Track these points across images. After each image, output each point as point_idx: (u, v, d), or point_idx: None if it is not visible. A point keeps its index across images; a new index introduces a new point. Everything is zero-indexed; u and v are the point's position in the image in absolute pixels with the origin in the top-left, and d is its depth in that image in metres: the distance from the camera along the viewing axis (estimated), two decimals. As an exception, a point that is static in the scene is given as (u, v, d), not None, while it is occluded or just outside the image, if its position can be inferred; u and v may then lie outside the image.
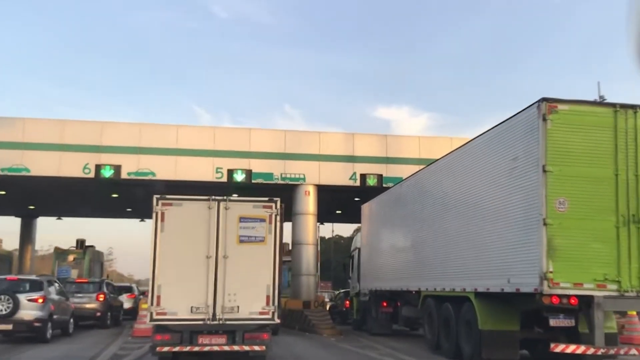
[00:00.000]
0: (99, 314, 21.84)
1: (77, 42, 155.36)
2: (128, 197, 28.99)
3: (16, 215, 39.75)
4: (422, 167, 17.50)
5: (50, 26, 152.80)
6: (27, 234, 38.91)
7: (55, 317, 17.06)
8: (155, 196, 10.85)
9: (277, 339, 18.26)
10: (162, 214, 10.64)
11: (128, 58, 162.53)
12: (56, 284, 18.67)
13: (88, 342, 16.97)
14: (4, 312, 15.63)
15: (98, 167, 23.73)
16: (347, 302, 26.04)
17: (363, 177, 25.27)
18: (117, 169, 23.85)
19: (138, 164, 24.12)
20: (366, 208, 21.87)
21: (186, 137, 24.62)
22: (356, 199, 26.84)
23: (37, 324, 16.02)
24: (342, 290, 30.28)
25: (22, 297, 16.00)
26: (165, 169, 24.12)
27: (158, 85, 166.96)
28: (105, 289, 22.55)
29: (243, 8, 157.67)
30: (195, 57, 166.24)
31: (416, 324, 19.16)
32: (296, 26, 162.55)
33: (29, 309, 16.00)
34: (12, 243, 40.78)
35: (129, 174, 24.01)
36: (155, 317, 10.45)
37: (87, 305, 21.65)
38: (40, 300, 16.27)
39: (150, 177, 24.12)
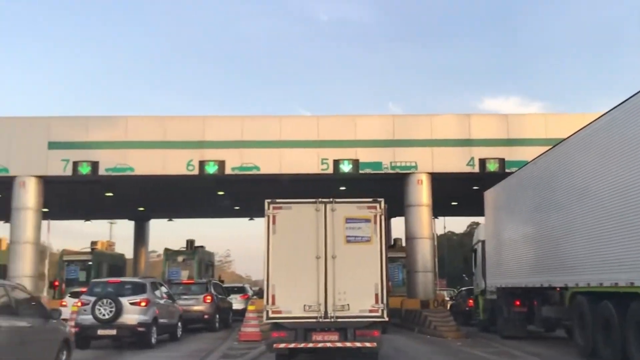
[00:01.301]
0: (206, 316, 20.92)
1: (183, 50, 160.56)
2: (234, 194, 28.20)
3: (130, 219, 40.41)
4: (549, 148, 14.95)
5: (159, 36, 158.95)
6: (140, 237, 39.37)
7: (160, 321, 16.14)
8: (266, 200, 11.25)
9: (395, 342, 16.45)
10: (274, 217, 11.10)
11: (231, 65, 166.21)
12: (162, 287, 17.82)
13: (190, 348, 15.88)
14: (106, 317, 14.83)
15: (202, 163, 22.88)
16: (471, 300, 23.70)
17: (482, 162, 22.91)
18: (221, 164, 22.90)
19: (241, 159, 23.06)
20: (490, 194, 19.50)
21: (289, 129, 23.29)
22: (474, 187, 24.48)
23: (140, 329, 15.12)
24: (464, 288, 27.93)
25: (125, 301, 15.15)
26: (269, 163, 22.92)
27: (262, 91, 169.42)
28: (212, 290, 21.60)
29: (343, 10, 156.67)
30: (298, 60, 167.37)
31: (557, 325, 16.63)
32: (396, 24, 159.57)
33: (132, 313, 15.15)
34: (128, 247, 41.48)
35: (232, 169, 23.01)
36: (271, 315, 10.79)
37: (195, 308, 20.78)
38: (143, 304, 15.36)
39: (254, 171, 23.01)
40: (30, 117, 24.16)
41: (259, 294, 28.67)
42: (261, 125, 23.51)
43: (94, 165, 22.92)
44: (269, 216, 11.09)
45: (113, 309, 14.84)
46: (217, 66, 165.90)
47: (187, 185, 25.25)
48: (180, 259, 30.13)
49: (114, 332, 14.97)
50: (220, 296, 22.70)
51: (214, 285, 22.87)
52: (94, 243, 32.13)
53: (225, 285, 31.19)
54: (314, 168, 22.74)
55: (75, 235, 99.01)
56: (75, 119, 24.14)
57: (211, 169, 22.88)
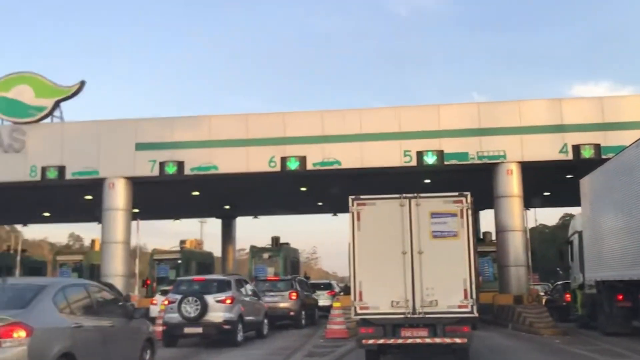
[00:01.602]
0: (292, 313, 20.81)
1: (263, 49, 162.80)
2: (317, 190, 28.00)
3: (217, 217, 41.09)
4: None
5: (241, 36, 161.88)
6: (227, 235, 39.89)
7: (246, 318, 16.09)
8: (350, 197, 11.20)
9: (489, 340, 15.68)
10: (358, 213, 11.04)
11: (308, 62, 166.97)
12: (247, 284, 17.79)
13: (276, 345, 15.75)
14: (192, 315, 14.90)
15: (283, 160, 22.77)
16: (568, 295, 22.42)
17: (576, 148, 21.60)
18: (303, 160, 22.71)
19: (323, 154, 22.78)
20: (587, 182, 18.27)
21: (370, 121, 22.79)
22: (568, 176, 23.16)
23: (226, 327, 15.11)
24: (560, 282, 26.51)
25: (210, 299, 15.17)
26: (350, 157, 22.52)
27: (340, 89, 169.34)
28: (297, 287, 21.46)
29: (422, 1, 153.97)
30: (376, 56, 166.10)
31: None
32: (476, 12, 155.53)
33: (218, 311, 15.16)
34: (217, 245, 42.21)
35: (314, 164, 22.76)
36: (359, 311, 10.76)
37: (280, 305, 20.72)
38: (229, 301, 15.35)
39: (335, 166, 22.67)
40: (119, 120, 24.87)
41: (346, 290, 28.39)
42: (341, 119, 23.14)
43: (180, 164, 23.27)
44: (353, 213, 11.07)
45: (199, 307, 14.89)
46: (296, 65, 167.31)
47: (269, 182, 25.25)
48: (265, 256, 30.25)
49: (200, 330, 15.04)
50: (305, 293, 22.55)
51: (299, 281, 22.73)
52: (182, 242, 32.80)
53: (312, 281, 31.18)
54: (397, 161, 22.14)
55: (167, 234, 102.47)
56: (161, 120, 24.62)
57: (293, 165, 22.74)
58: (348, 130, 22.69)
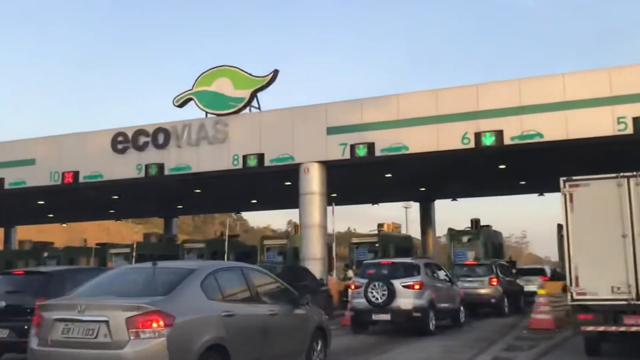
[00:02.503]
0: (493, 300, 19.30)
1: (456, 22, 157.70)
2: (517, 167, 25.87)
3: (414, 200, 40.30)
4: None
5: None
6: (426, 218, 38.90)
7: (439, 305, 15.05)
8: (561, 178, 10.75)
9: None
10: (570, 195, 10.60)
11: (503, 28, 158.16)
12: (438, 268, 16.70)
13: (473, 336, 14.48)
14: (379, 301, 14.20)
15: (477, 135, 21.18)
16: None
17: None
18: (499, 134, 20.93)
19: (521, 126, 20.77)
20: None
21: (574, 87, 20.24)
22: None
23: (416, 314, 14.21)
24: None
25: (398, 284, 14.34)
26: (553, 128, 20.19)
27: (538, 51, 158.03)
28: (497, 272, 19.86)
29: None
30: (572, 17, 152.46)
31: None
32: None
33: (406, 297, 14.30)
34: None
35: (512, 138, 20.85)
36: (575, 297, 10.33)
37: (480, 291, 19.34)
38: (417, 287, 14.41)
39: (536, 139, 20.53)
40: (310, 106, 24.98)
41: (554, 275, 26.07)
42: (541, 86, 20.87)
43: (370, 146, 22.78)
44: (565, 195, 10.63)
45: (385, 293, 14.14)
46: (490, 31, 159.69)
47: (464, 160, 23.76)
48: (465, 239, 28.78)
49: (388, 317, 14.29)
50: (507, 278, 20.85)
51: (500, 266, 21.05)
52: (380, 225, 32.55)
53: (523, 267, 29.07)
54: (608, 129, 19.37)
55: (369, 219, 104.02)
56: (350, 102, 24.27)
57: (488, 140, 21.05)
58: (549, 98, 20.39)
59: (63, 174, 27.32)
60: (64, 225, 48.09)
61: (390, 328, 15.45)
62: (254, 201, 37.52)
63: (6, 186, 28.63)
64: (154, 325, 5.94)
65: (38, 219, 42.15)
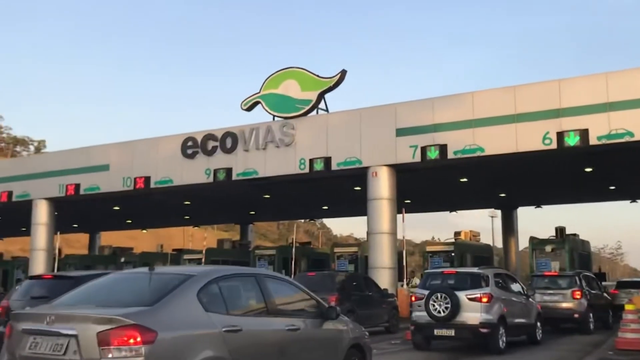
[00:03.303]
0: (576, 315, 17.38)
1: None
2: (606, 170, 23.70)
3: (495, 207, 38.26)
4: None
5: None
6: (508, 226, 36.76)
7: (510, 320, 13.51)
8: None
9: None
10: None
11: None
12: (511, 280, 15.11)
13: (548, 356, 12.87)
14: (441, 314, 12.81)
15: (560, 135, 19.38)
16: None
17: None
18: (584, 134, 19.06)
19: (609, 125, 18.82)
20: None
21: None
22: None
23: (483, 330, 12.70)
24: None
25: (462, 296, 12.92)
26: (647, 126, 18.22)
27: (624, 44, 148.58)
28: (582, 284, 17.95)
29: None
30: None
31: None
32: None
33: (472, 311, 12.80)
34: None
35: (599, 138, 18.95)
36: None
37: (561, 305, 17.50)
38: (485, 300, 12.91)
39: (626, 138, 18.55)
40: (378, 106, 23.76)
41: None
42: (631, 80, 18.85)
43: (442, 148, 21.36)
44: None
45: (449, 306, 12.74)
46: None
47: (545, 163, 21.91)
48: (548, 248, 26.61)
49: (451, 332, 12.85)
50: (594, 291, 18.87)
51: (585, 277, 19.08)
52: (457, 233, 30.84)
53: (621, 279, 26.67)
54: None
55: (453, 227, 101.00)
56: (421, 102, 22.89)
57: (572, 140, 19.22)
58: (641, 93, 18.42)
59: (135, 179, 27.40)
60: (144, 231, 48.91)
61: (456, 344, 14.06)
62: (325, 207, 36.62)
63: (81, 192, 29.04)
64: (131, 341, 4.97)
65: (117, 224, 42.95)
